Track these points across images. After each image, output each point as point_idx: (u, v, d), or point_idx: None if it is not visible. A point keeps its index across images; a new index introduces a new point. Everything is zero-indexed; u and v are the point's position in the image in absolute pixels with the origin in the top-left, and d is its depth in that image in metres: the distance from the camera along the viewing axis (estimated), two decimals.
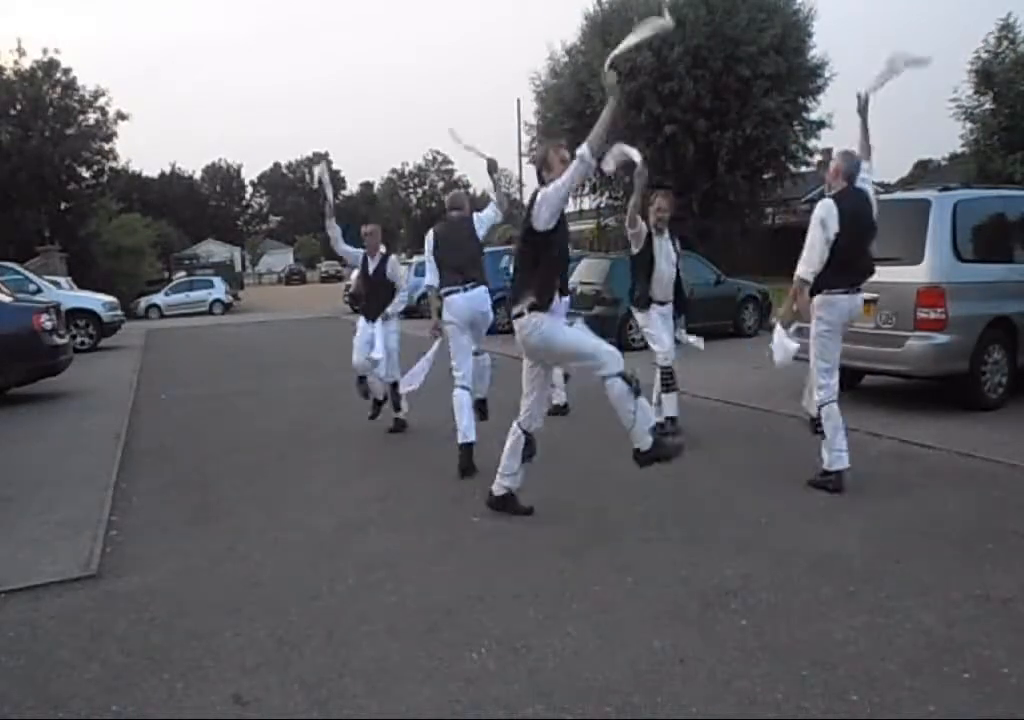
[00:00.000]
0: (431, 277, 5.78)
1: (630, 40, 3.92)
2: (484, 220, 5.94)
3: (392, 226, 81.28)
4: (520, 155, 33.80)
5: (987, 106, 20.77)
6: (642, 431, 4.11)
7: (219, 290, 30.10)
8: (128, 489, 5.36)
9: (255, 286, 59.15)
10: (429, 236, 5.88)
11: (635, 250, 6.22)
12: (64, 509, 4.91)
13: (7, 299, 9.43)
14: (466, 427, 5.41)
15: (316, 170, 7.19)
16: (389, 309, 6.86)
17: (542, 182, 4.19)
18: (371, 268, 6.95)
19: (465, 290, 5.54)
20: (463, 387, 5.53)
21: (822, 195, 4.92)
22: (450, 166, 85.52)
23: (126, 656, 3.07)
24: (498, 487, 4.52)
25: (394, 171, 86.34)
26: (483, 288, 5.64)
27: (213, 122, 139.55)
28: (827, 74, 24.86)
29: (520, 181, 41.19)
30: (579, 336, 4.27)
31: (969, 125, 21.19)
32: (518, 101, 34.12)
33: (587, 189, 28.42)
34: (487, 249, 19.62)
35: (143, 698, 2.77)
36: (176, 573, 3.88)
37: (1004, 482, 4.80)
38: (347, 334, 10.58)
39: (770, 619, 3.13)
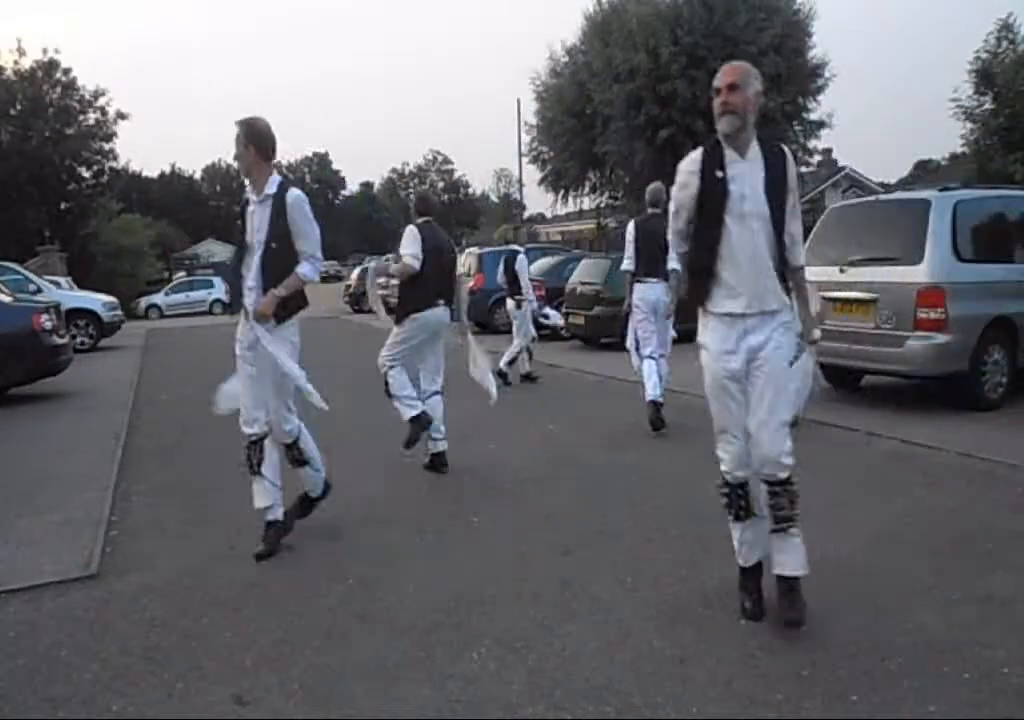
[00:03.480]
0: (629, 263, 6.64)
1: None
2: None
3: (393, 226, 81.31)
4: (520, 155, 33.77)
5: (987, 106, 20.73)
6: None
7: (219, 290, 30.07)
8: (128, 489, 5.36)
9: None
10: (631, 228, 6.72)
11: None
12: (64, 509, 4.90)
13: (7, 299, 9.43)
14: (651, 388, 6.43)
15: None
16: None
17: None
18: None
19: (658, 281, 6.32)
20: (651, 357, 6.53)
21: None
22: (450, 166, 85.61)
23: (126, 656, 3.06)
24: None
25: (394, 171, 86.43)
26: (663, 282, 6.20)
27: (213, 122, 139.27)
28: (827, 74, 24.84)
29: (520, 181, 41.15)
30: None
31: (969, 125, 21.15)
32: (518, 101, 34.10)
33: (587, 189, 28.43)
34: (487, 249, 19.43)
35: (143, 698, 2.77)
36: (176, 573, 3.88)
37: (1004, 482, 4.80)
38: (347, 334, 10.51)
39: (770, 619, 3.13)
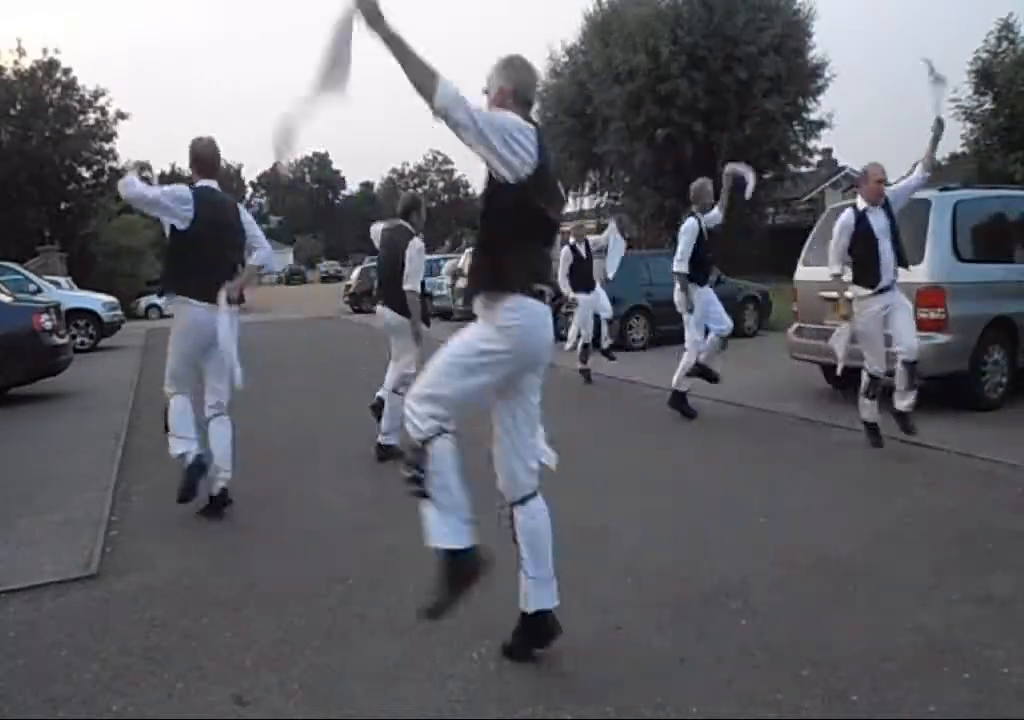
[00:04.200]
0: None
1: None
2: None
3: None
4: None
5: (987, 106, 20.76)
6: None
7: None
8: (128, 489, 5.36)
9: (255, 286, 59.02)
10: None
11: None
12: (64, 509, 4.90)
13: (7, 299, 9.43)
14: None
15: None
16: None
17: None
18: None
19: None
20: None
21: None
22: (450, 166, 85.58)
23: (126, 656, 3.06)
24: None
25: (394, 171, 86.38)
26: None
27: (213, 122, 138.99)
28: (827, 74, 24.89)
29: None
30: None
31: (969, 125, 21.20)
32: None
33: (587, 189, 28.45)
34: None
35: (143, 698, 2.76)
36: (176, 573, 3.88)
37: (1004, 482, 4.80)
38: (347, 334, 10.51)
39: (770, 619, 3.13)
